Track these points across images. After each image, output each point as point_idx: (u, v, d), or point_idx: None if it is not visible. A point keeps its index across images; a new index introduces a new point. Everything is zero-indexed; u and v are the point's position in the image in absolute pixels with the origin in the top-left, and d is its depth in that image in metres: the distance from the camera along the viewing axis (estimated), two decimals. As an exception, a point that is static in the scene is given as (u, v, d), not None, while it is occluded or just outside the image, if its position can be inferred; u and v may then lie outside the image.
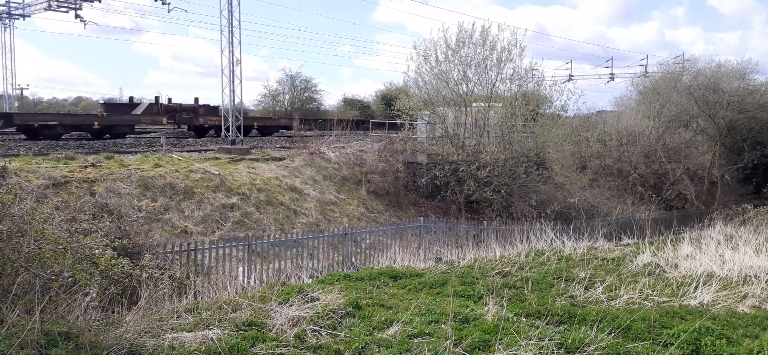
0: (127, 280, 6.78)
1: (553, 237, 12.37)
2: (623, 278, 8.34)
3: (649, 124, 28.73)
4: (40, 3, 32.83)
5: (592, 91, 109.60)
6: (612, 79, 53.88)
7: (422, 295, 7.10)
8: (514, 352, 4.97)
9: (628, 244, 13.46)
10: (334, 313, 5.97)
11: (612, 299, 7.24)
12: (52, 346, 4.34)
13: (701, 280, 7.97)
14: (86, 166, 14.55)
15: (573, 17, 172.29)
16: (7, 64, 36.03)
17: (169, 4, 28.93)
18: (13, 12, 35.15)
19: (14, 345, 4.06)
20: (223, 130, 23.09)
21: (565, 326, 5.89)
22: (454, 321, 5.78)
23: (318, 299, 6.45)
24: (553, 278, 8.34)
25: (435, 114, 23.89)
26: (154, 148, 20.48)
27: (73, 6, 32.06)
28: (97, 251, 6.69)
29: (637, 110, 31.94)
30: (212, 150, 20.78)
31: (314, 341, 5.25)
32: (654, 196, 24.91)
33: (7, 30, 35.74)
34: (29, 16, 35.22)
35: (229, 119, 22.61)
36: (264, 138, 29.67)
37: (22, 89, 40.61)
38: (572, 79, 51.12)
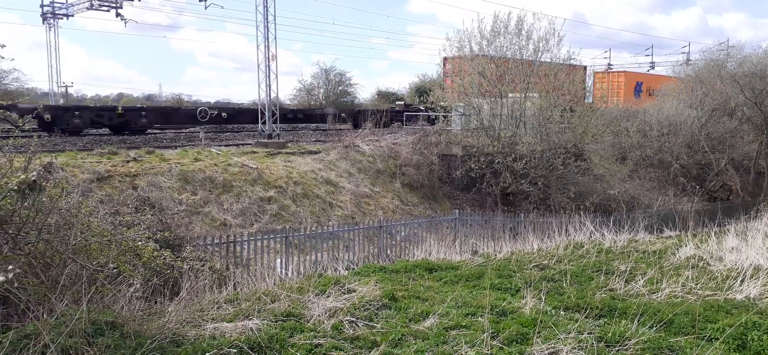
0: (169, 271, 6.93)
1: (593, 230, 12.14)
2: (665, 271, 8.14)
3: (692, 113, 27.94)
4: (83, 2, 33.73)
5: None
6: (652, 67, 52.72)
7: (458, 287, 7.07)
8: (552, 345, 4.91)
9: (670, 236, 13.12)
10: (370, 304, 6.00)
11: (653, 293, 7.08)
12: (99, 335, 4.48)
13: (748, 273, 7.72)
14: (128, 161, 14.94)
15: (611, 4, 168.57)
16: (52, 63, 37.16)
17: (205, 0, 29.35)
18: (57, 12, 36.21)
19: (63, 334, 4.21)
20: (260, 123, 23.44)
21: (605, 320, 5.79)
22: (491, 314, 5.74)
23: (354, 291, 6.49)
24: (593, 271, 8.20)
25: (470, 105, 23.72)
26: (193, 143, 20.89)
27: (114, 5, 32.86)
28: (140, 243, 6.87)
29: (678, 99, 31.09)
30: (250, 144, 21.08)
31: (351, 332, 5.29)
32: (697, 187, 24.25)
33: (52, 30, 36.85)
34: (72, 15, 36.22)
35: (266, 114, 22.88)
36: (299, 132, 29.95)
37: (67, 87, 41.79)
38: (611, 68, 50.11)
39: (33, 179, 4.70)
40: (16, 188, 4.67)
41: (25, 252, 5.04)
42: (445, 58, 35.27)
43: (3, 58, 6.11)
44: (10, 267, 4.00)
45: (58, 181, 8.98)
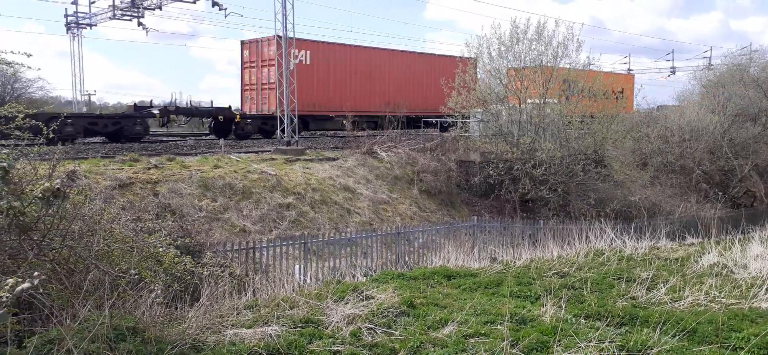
0: (189, 277, 6.99)
1: (613, 237, 12.01)
2: (688, 279, 8.02)
3: (714, 118, 27.52)
4: (106, 12, 34.24)
5: (652, 86, 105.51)
6: (673, 72, 52.07)
7: (477, 295, 7.03)
8: (573, 354, 4.87)
9: (693, 243, 12.92)
10: (388, 311, 6.00)
11: (676, 301, 6.98)
12: (121, 340, 4.54)
13: (773, 281, 7.58)
14: (149, 168, 15.11)
15: (630, 9, 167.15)
16: (75, 72, 37.79)
17: (225, 9, 29.61)
18: (80, 22, 36.81)
19: (86, 339, 4.26)
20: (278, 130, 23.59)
21: (627, 328, 5.72)
22: (511, 322, 5.70)
23: (372, 298, 6.49)
24: (614, 279, 8.11)
25: (488, 112, 23.62)
26: (213, 150, 21.07)
27: (136, 14, 33.30)
28: (161, 249, 6.94)
29: (700, 104, 30.65)
30: (268, 151, 21.21)
31: (370, 339, 5.29)
32: (719, 193, 23.86)
33: (76, 39, 37.48)
34: (95, 25, 36.79)
35: (285, 120, 23.02)
36: (317, 138, 30.05)
37: (89, 95, 42.53)
38: (631, 74, 49.60)
39: (57, 186, 4.78)
40: (40, 195, 4.76)
41: (49, 258, 5.12)
42: (242, 42, 31.15)
43: (30, 67, 6.25)
44: (36, 273, 4.07)
45: (81, 188, 9.12)
